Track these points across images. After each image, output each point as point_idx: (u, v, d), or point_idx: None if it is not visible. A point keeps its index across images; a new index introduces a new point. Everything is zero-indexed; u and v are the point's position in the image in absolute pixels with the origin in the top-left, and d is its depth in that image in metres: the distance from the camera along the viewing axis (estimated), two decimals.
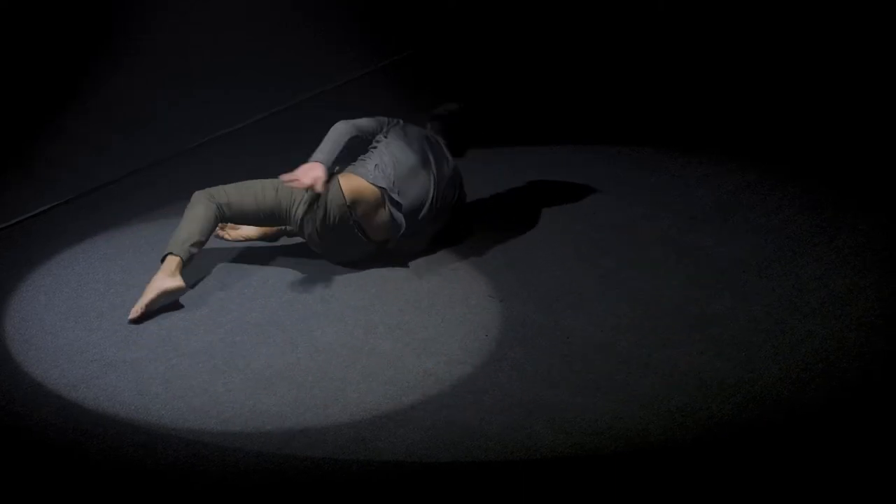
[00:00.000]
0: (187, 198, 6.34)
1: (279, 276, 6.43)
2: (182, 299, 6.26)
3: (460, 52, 9.11)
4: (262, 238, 6.72)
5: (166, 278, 6.10)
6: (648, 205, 6.94)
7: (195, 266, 6.51)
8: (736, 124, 7.87)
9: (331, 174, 6.27)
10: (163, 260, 6.17)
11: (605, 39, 9.12)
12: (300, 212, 6.31)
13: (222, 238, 6.70)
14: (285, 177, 6.24)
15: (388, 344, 5.91)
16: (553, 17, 9.43)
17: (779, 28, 8.95)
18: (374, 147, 6.50)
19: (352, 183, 6.32)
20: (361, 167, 6.40)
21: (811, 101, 8.09)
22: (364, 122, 6.54)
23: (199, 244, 6.23)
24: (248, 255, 6.62)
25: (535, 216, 6.89)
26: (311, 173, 6.20)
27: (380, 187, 6.32)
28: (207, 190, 6.36)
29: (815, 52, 8.66)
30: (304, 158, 6.31)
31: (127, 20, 8.39)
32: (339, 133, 6.42)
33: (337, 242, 6.37)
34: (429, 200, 6.44)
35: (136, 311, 6.06)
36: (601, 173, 7.35)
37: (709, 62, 8.70)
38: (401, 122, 6.65)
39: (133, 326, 6.07)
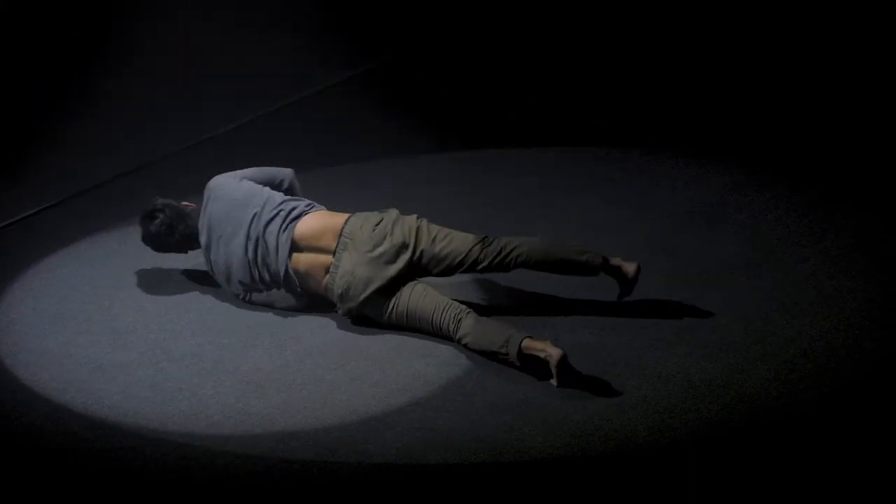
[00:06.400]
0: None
1: None
2: (170, 302, 6.26)
3: (450, 53, 9.12)
4: None
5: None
6: (637, 206, 6.95)
7: (186, 268, 6.51)
8: (724, 126, 7.88)
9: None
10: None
11: (596, 41, 9.13)
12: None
13: None
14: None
15: (376, 346, 5.91)
16: (543, 19, 9.44)
17: (766, 29, 8.96)
18: None
19: None
20: None
21: (799, 102, 8.11)
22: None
23: None
24: None
25: (523, 217, 6.89)
26: None
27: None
28: None
29: (802, 54, 8.68)
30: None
31: (111, 27, 8.38)
32: None
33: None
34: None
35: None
36: (590, 174, 7.36)
37: (698, 64, 8.71)
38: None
39: (121, 330, 6.06)
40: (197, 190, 7.29)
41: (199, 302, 6.26)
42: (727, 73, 8.53)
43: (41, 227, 6.98)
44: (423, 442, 5.27)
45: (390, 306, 5.93)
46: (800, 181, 7.13)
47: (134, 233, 6.87)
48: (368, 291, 5.91)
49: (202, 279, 6.43)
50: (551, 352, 5.56)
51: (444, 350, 5.83)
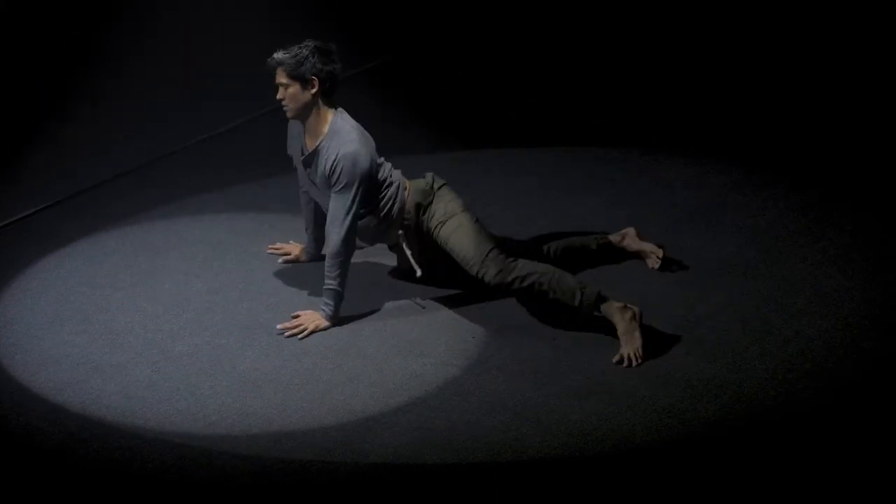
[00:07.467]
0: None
1: (265, 279, 6.43)
2: (167, 302, 6.26)
3: (450, 53, 9.11)
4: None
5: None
6: (637, 206, 6.94)
7: (182, 268, 6.51)
8: (723, 125, 7.87)
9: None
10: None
11: (596, 41, 9.13)
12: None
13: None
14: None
15: (374, 346, 5.91)
16: (542, 18, 9.44)
17: (763, 29, 8.96)
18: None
19: None
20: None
21: (799, 101, 8.10)
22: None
23: None
24: (233, 257, 6.61)
25: (523, 217, 6.88)
26: (314, 323, 6.03)
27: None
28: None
29: (799, 53, 8.67)
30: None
31: (111, 27, 8.38)
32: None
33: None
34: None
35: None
36: (590, 174, 7.35)
37: (697, 63, 8.71)
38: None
39: (118, 329, 6.06)
40: (196, 189, 7.31)
41: (196, 302, 6.26)
42: (726, 72, 8.53)
43: (39, 227, 6.98)
44: (421, 442, 5.27)
45: (451, 214, 6.13)
46: (799, 181, 7.12)
47: (132, 232, 6.88)
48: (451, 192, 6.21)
49: (198, 278, 6.43)
50: (632, 308, 5.79)
51: (441, 350, 5.84)
